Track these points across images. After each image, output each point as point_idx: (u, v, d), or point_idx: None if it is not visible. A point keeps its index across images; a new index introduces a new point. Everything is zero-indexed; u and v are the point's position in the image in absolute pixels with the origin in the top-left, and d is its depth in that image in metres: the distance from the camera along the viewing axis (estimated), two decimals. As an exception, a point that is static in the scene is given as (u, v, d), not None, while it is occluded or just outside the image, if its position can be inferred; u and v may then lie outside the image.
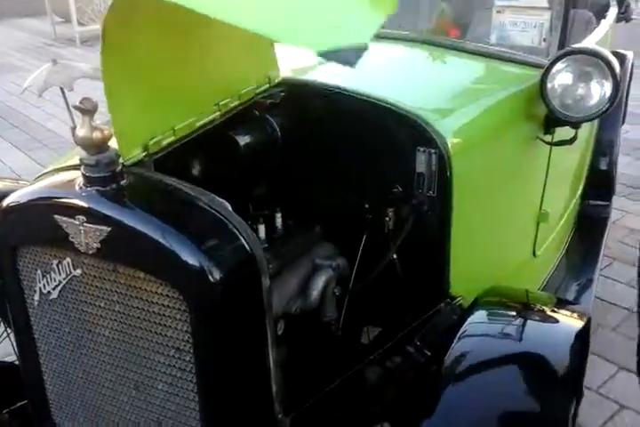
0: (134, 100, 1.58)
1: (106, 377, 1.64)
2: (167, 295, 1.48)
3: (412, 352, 2.03)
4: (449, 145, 2.01)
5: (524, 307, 1.93)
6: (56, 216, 1.52)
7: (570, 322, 1.82)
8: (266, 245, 1.88)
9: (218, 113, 2.00)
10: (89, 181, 1.61)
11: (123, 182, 1.55)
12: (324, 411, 1.93)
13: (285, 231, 2.06)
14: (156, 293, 1.48)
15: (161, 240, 1.52)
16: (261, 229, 1.96)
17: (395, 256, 2.26)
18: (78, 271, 1.56)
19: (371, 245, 2.11)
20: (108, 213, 1.50)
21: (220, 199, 1.66)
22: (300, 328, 1.99)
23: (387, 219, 2.25)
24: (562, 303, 2.15)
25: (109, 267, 1.51)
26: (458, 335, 1.72)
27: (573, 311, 1.89)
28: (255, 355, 1.68)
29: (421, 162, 2.18)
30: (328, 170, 2.16)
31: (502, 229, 2.56)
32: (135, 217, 1.48)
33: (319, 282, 2.17)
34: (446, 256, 2.11)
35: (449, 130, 2.04)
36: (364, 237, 2.26)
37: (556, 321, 1.86)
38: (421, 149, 2.16)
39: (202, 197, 1.56)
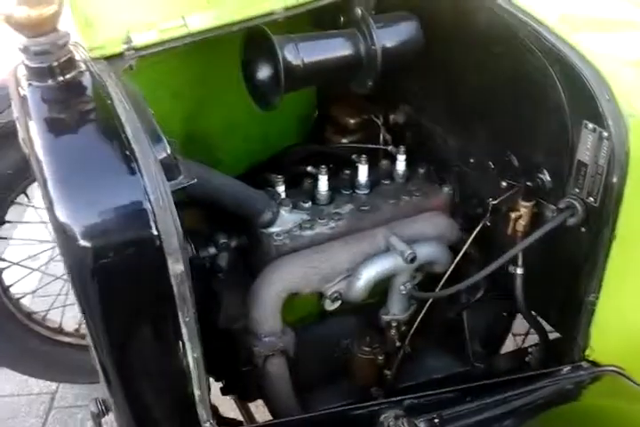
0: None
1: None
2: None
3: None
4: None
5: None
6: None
7: None
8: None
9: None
10: (27, 71, 1.21)
11: (62, 79, 1.10)
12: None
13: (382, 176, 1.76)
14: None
15: (40, 172, 1.08)
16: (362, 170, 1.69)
17: (514, 270, 1.48)
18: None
19: (481, 243, 1.63)
20: (17, 116, 1.11)
21: (165, 139, 1.14)
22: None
23: (512, 215, 1.44)
24: None
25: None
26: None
27: None
28: (160, 353, 1.21)
29: (586, 146, 1.29)
30: (449, 114, 1.68)
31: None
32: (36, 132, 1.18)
33: (371, 270, 1.52)
34: (591, 297, 1.41)
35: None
36: (475, 230, 1.51)
37: None
38: (589, 126, 1.26)
39: (135, 127, 1.17)
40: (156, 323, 1.24)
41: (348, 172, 1.79)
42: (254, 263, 1.68)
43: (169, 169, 1.18)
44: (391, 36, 1.51)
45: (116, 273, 1.15)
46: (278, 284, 1.53)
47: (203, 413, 1.35)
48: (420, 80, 1.74)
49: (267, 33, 1.38)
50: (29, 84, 1.26)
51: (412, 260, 1.53)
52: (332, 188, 1.71)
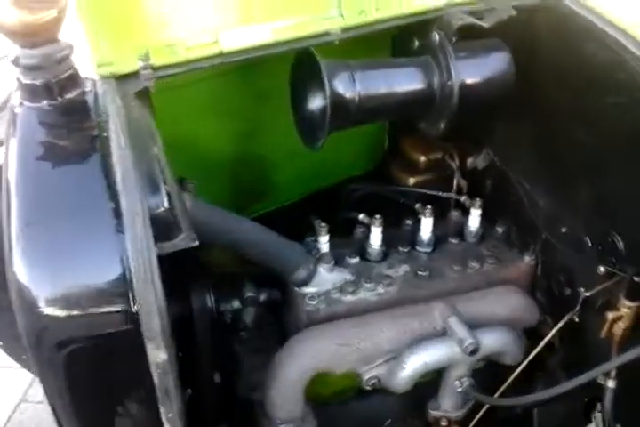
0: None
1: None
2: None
3: None
4: None
5: None
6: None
7: None
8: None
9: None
10: (19, 88, 1.00)
11: (59, 100, 1.00)
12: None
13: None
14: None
15: (7, 211, 0.88)
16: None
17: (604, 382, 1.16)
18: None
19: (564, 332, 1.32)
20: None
21: (163, 190, 0.89)
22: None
23: (610, 315, 1.12)
24: None
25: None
26: None
27: None
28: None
29: None
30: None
31: None
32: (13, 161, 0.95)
33: (419, 358, 1.24)
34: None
35: None
36: (560, 322, 1.19)
37: None
38: None
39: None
40: (132, 419, 0.98)
41: (409, 223, 1.49)
42: (287, 325, 1.41)
43: (165, 227, 0.92)
44: (474, 69, 1.19)
45: (81, 355, 0.90)
46: (303, 361, 1.25)
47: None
48: (508, 122, 1.42)
49: (314, 56, 1.10)
50: (21, 104, 1.03)
51: (473, 352, 1.22)
52: (388, 242, 1.41)
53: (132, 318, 0.86)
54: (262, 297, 1.41)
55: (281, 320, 1.44)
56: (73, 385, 0.93)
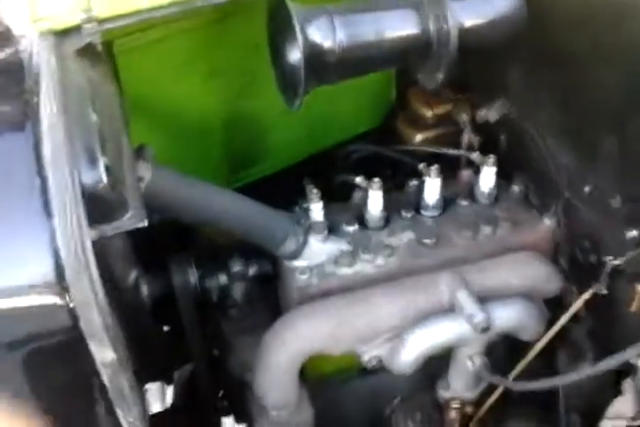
0: None
1: None
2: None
3: None
4: None
5: None
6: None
7: None
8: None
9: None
10: None
11: None
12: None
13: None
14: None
15: None
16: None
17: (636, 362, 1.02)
18: None
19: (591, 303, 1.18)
20: None
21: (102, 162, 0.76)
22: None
23: (640, 287, 0.97)
24: None
25: None
26: None
27: None
28: None
29: None
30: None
31: None
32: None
33: (424, 338, 1.11)
34: None
35: None
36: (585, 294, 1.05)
37: None
38: None
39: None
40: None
41: (413, 184, 1.34)
42: (280, 300, 1.29)
43: (105, 206, 0.79)
44: (473, 10, 1.02)
45: (18, 356, 0.79)
46: (293, 345, 1.12)
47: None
48: (525, 69, 1.24)
49: (284, 1, 0.93)
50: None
51: (485, 329, 1.08)
52: (389, 207, 1.27)
53: (67, 314, 0.75)
54: (252, 271, 1.29)
55: (274, 295, 1.31)
56: (18, 389, 0.82)
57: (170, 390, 1.78)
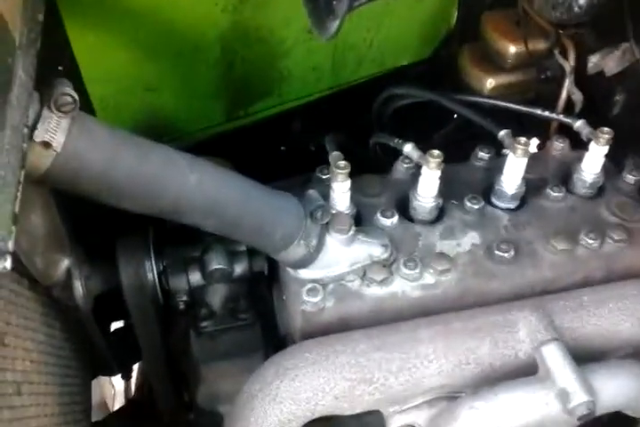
0: None
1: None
2: None
3: None
4: None
5: None
6: None
7: None
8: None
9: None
10: None
11: None
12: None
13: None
14: None
15: None
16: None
17: None
18: None
19: None
20: None
21: None
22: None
23: None
24: None
25: None
26: None
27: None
28: None
29: None
30: None
31: None
32: None
33: (487, 411, 0.72)
34: None
35: None
36: None
37: None
38: None
39: None
40: None
41: (483, 157, 0.92)
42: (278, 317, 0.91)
43: None
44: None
45: None
46: (290, 402, 0.74)
47: None
48: None
49: None
50: None
51: (586, 416, 0.69)
52: (445, 189, 0.86)
53: None
54: (239, 269, 0.89)
55: (269, 303, 0.93)
56: None
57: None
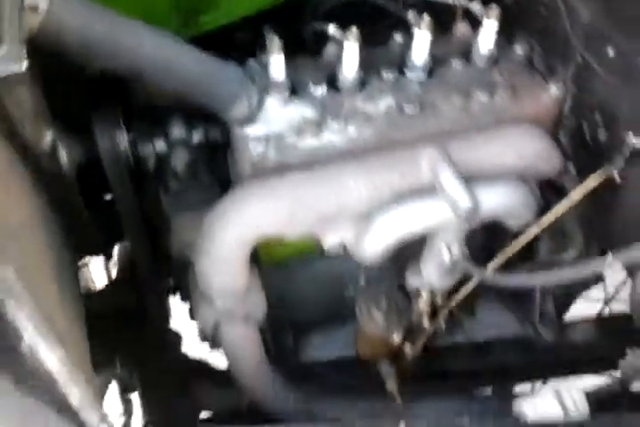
0: None
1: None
2: None
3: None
4: None
5: None
6: None
7: None
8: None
9: None
10: None
11: None
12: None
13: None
14: None
15: None
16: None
17: None
18: None
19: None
20: None
21: None
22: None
23: None
24: None
25: None
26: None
27: None
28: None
29: None
30: None
31: None
32: None
33: (397, 223, 0.94)
34: None
35: None
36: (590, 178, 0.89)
37: None
38: None
39: None
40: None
41: (398, 39, 1.10)
42: (231, 174, 1.10)
43: None
44: None
45: None
46: (241, 227, 0.94)
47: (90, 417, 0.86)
48: None
49: None
50: None
51: (470, 216, 0.90)
52: (368, 65, 1.05)
53: None
54: (196, 137, 1.08)
55: (224, 167, 1.12)
56: None
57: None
